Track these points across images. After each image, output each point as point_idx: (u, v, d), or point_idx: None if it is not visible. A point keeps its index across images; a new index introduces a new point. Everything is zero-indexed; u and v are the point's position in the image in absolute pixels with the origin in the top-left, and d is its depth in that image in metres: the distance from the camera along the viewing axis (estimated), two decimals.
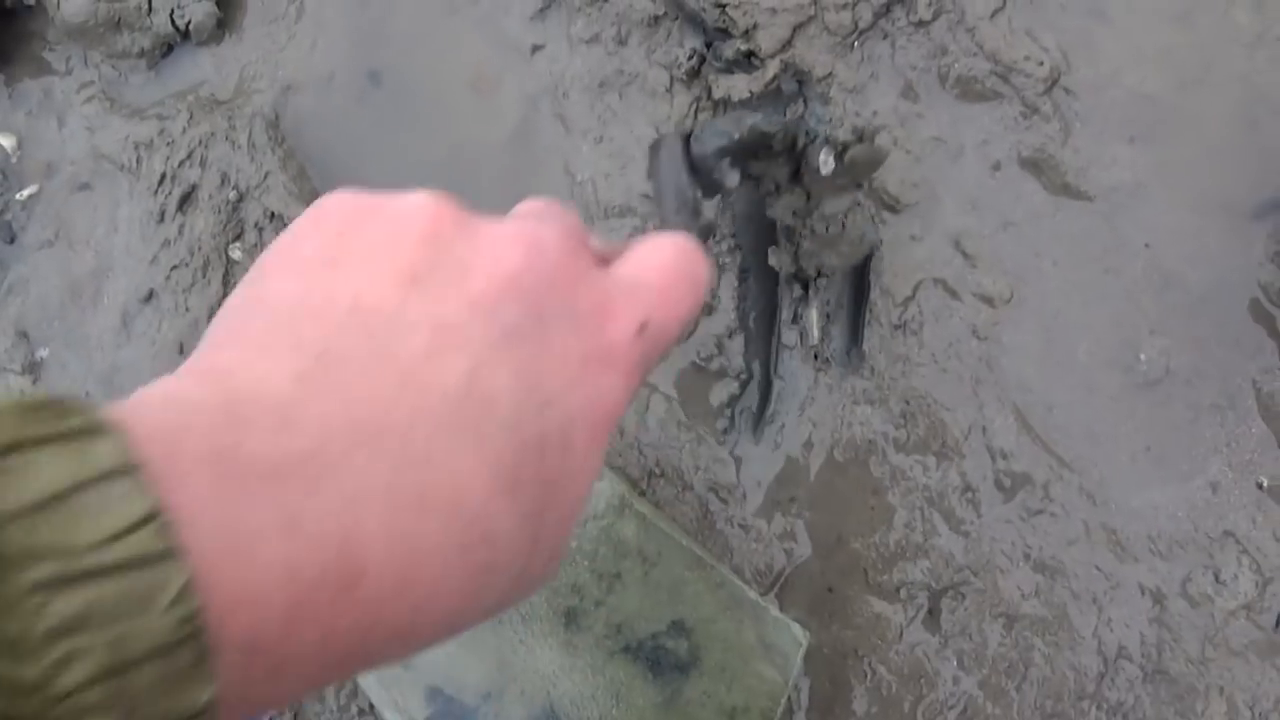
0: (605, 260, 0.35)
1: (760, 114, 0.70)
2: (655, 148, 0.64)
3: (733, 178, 0.65)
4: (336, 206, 0.30)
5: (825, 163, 0.75)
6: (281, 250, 0.30)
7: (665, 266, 0.35)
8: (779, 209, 0.78)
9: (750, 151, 0.71)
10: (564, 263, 0.31)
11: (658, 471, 0.89)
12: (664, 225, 0.60)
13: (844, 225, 0.82)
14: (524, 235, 0.30)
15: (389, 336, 0.27)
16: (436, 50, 0.98)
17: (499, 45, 0.98)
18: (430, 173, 0.97)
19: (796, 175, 0.78)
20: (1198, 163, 0.90)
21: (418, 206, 0.30)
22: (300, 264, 0.29)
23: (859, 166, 0.78)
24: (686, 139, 0.64)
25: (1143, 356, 0.88)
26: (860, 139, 0.77)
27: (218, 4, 1.04)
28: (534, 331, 0.29)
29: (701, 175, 0.63)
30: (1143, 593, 0.86)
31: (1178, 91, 0.91)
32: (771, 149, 0.73)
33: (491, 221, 0.31)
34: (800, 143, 0.75)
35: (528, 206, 0.35)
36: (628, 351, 0.32)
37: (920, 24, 0.93)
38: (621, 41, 0.95)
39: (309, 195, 0.97)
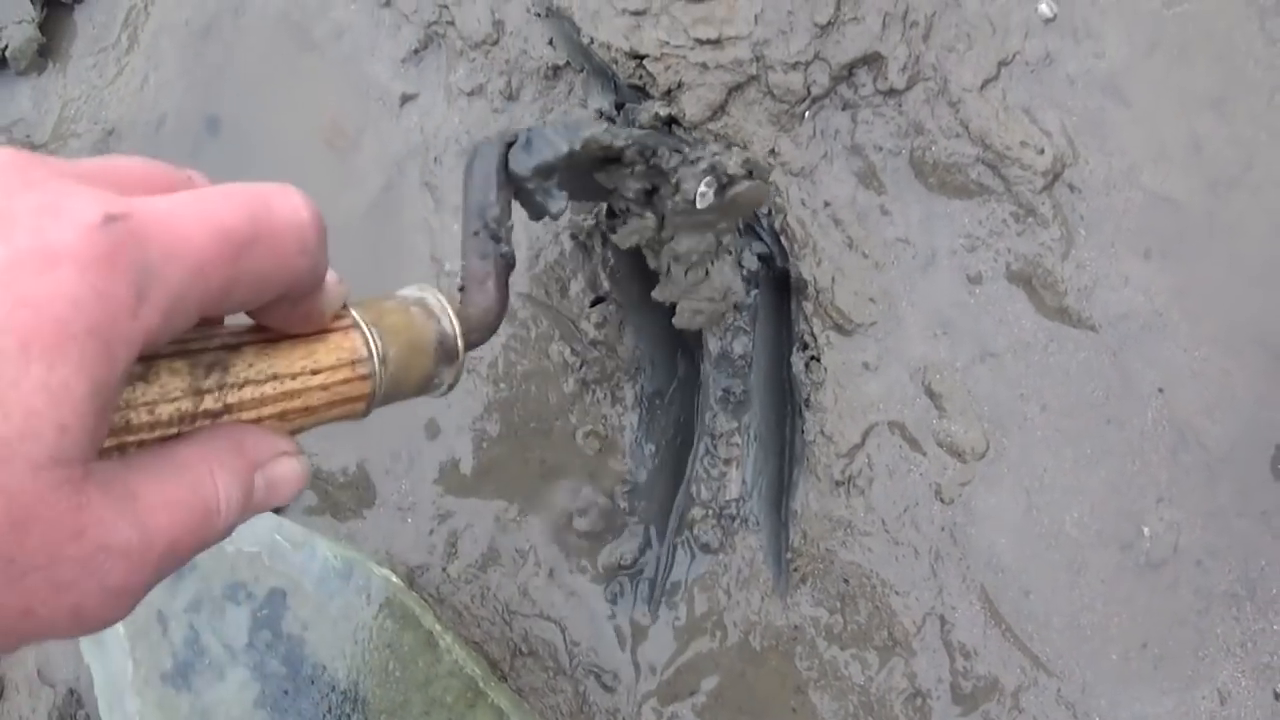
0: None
1: (605, 125, 0.59)
2: (474, 152, 0.54)
3: (558, 201, 0.55)
4: None
5: (703, 194, 0.62)
6: None
7: (215, 191, 0.32)
8: (623, 234, 0.66)
9: (592, 165, 0.60)
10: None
11: (525, 649, 0.70)
12: (462, 249, 0.52)
13: (707, 272, 0.68)
14: None
15: None
16: (287, 95, 0.80)
17: (362, 93, 0.79)
18: None
19: (650, 196, 0.64)
20: (1229, 287, 0.74)
21: None
22: None
23: (738, 206, 0.65)
24: (508, 146, 0.54)
25: (1146, 531, 0.72)
26: (750, 174, 0.64)
27: (41, 28, 0.85)
28: None
29: (522, 194, 0.55)
30: None
31: (1208, 195, 0.75)
32: (622, 162, 0.61)
33: None
34: (664, 159, 0.62)
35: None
36: (80, 242, 0.28)
37: (891, 93, 0.73)
38: (511, 96, 0.75)
39: None
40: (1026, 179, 0.73)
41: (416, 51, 0.80)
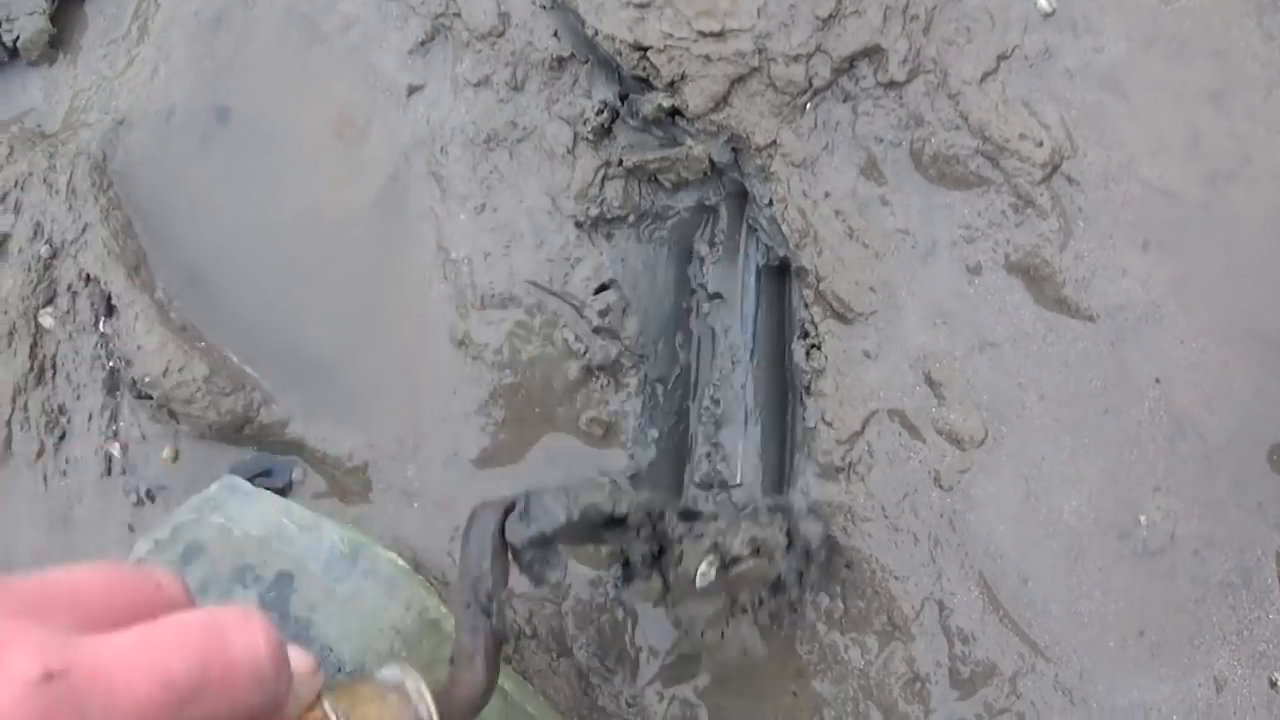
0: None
1: (607, 489, 0.55)
2: (471, 517, 0.52)
3: (556, 571, 0.53)
4: None
5: (704, 574, 0.60)
6: None
7: (169, 626, 0.31)
8: (628, 596, 0.64)
9: (595, 529, 0.57)
10: None
11: (529, 631, 0.70)
12: (455, 620, 0.51)
13: (723, 634, 0.67)
14: None
15: None
16: (296, 85, 0.81)
17: (369, 84, 0.80)
18: (277, 241, 0.77)
19: (658, 558, 0.62)
20: (1226, 279, 0.74)
21: None
22: None
23: (741, 583, 0.63)
24: (506, 513, 0.52)
25: (1143, 519, 0.72)
26: (757, 552, 0.61)
27: (52, 19, 0.86)
28: None
29: (519, 561, 0.53)
30: None
31: (1206, 188, 0.75)
32: (626, 525, 0.57)
33: None
34: (670, 526, 0.59)
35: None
36: (16, 703, 0.27)
37: (891, 85, 0.74)
38: (517, 87, 0.76)
39: (132, 256, 0.78)
40: (1025, 171, 0.74)
41: (423, 43, 0.81)
